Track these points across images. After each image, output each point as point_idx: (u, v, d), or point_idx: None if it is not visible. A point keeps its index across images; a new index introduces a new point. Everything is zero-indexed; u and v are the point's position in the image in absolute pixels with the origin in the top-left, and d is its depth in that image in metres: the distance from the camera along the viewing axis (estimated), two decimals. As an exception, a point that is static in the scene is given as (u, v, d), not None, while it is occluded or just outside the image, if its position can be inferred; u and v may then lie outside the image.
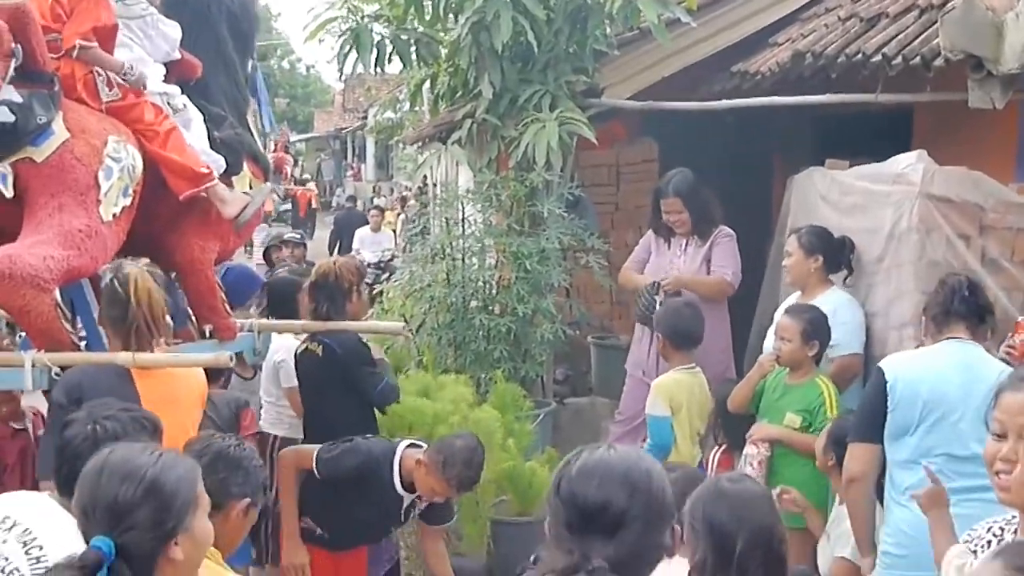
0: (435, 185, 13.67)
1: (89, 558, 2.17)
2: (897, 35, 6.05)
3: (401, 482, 4.48)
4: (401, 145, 26.80)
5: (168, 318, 4.17)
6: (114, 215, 4.23)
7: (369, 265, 15.69)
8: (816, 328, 5.19)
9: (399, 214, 22.53)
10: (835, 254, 5.73)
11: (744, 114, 7.83)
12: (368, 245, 16.15)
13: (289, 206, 27.25)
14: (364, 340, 5.18)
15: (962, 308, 4.16)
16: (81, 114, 4.28)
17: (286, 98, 50.11)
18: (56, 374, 3.92)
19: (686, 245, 6.65)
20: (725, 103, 7.49)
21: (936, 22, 5.61)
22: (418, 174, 10.71)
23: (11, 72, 3.97)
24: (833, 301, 5.57)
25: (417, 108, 20.43)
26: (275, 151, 28.33)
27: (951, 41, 5.19)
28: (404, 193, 26.58)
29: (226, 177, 4.91)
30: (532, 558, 2.42)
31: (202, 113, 4.99)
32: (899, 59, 5.81)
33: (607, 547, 2.17)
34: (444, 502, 4.69)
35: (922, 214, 5.33)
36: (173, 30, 4.84)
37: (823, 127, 8.43)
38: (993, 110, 5.49)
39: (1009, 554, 2.03)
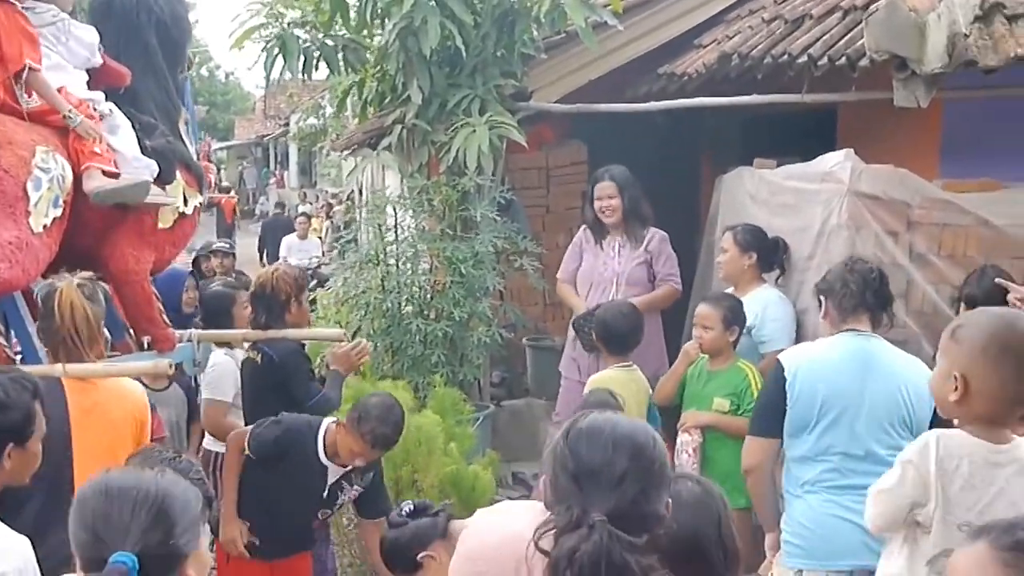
0: (362, 192, 13.68)
1: (115, 573, 2.12)
2: (822, 36, 6.15)
3: (325, 453, 4.52)
4: (325, 152, 26.63)
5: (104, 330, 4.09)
6: (44, 226, 4.14)
7: (296, 272, 15.59)
8: (735, 315, 5.35)
9: (325, 221, 22.41)
10: (769, 253, 5.82)
11: (672, 115, 7.91)
12: (295, 252, 16.01)
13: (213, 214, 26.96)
14: (304, 350, 5.19)
15: (872, 299, 4.16)
16: (7, 124, 4.19)
17: (205, 105, 49.44)
18: None
19: (619, 247, 6.64)
20: (654, 104, 7.56)
21: (860, 23, 5.73)
22: (348, 181, 10.62)
23: None
24: (764, 298, 5.67)
25: (341, 114, 20.46)
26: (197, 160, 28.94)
27: (876, 42, 5.29)
28: (330, 200, 26.42)
29: (159, 184, 4.82)
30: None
31: (132, 121, 4.86)
32: (824, 60, 5.91)
33: (606, 503, 2.19)
34: (379, 493, 4.75)
35: (851, 211, 5.44)
36: (88, 34, 4.75)
37: (750, 127, 8.55)
38: (917, 109, 5.61)
39: (996, 533, 2.03)
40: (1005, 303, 4.25)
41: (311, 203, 28.12)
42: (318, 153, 32.34)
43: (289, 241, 16.64)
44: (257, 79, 53.72)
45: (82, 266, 4.27)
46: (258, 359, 5.04)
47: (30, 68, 4.28)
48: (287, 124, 35.83)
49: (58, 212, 4.23)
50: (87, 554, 2.22)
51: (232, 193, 31.40)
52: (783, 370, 4.08)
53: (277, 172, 43.12)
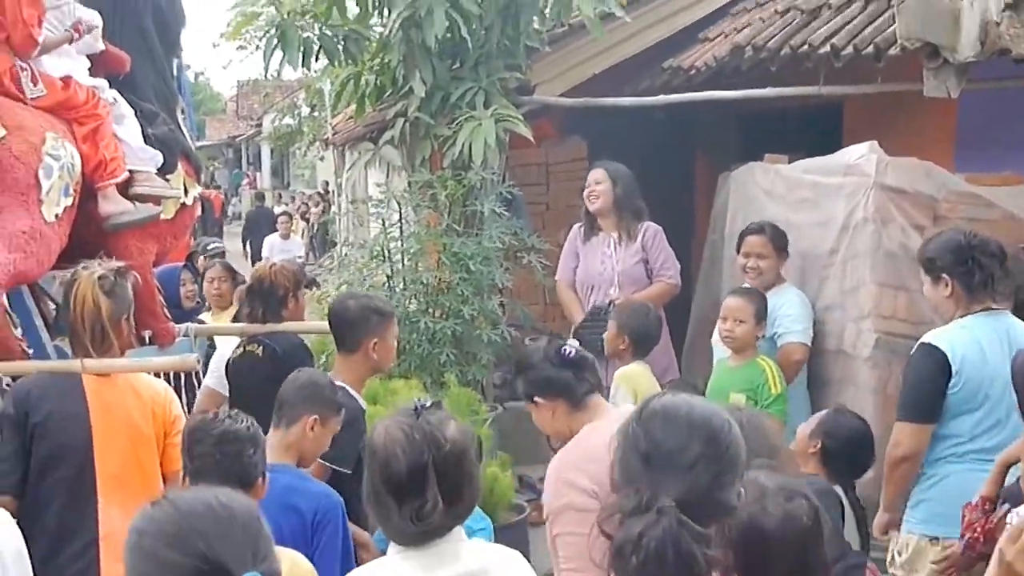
0: (339, 189, 13.54)
1: None
2: (845, 25, 6.05)
3: None
4: (301, 151, 26.44)
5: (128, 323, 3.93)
6: (56, 215, 4.08)
7: (278, 272, 15.39)
8: (765, 309, 5.28)
9: (301, 222, 22.26)
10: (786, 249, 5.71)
11: (672, 111, 7.81)
12: (278, 252, 15.74)
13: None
14: (306, 344, 5.05)
15: (1001, 274, 4.07)
16: (15, 110, 4.12)
17: (175, 106, 49.12)
18: (7, 385, 3.80)
19: (614, 244, 6.51)
20: (661, 98, 7.46)
21: (884, 12, 5.62)
22: (349, 176, 10.44)
23: None
24: (787, 295, 5.55)
25: (316, 113, 20.30)
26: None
27: (908, 29, 5.17)
28: (306, 201, 26.23)
29: (161, 174, 4.78)
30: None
31: (133, 108, 4.79)
32: (849, 49, 5.79)
33: (677, 488, 2.11)
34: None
35: (877, 205, 5.31)
36: (93, 18, 4.65)
37: (747, 124, 8.45)
38: (932, 101, 5.51)
39: None
40: None
41: (287, 203, 27.91)
42: (291, 154, 32.14)
43: (271, 241, 16.43)
44: (228, 80, 53.34)
45: (83, 257, 4.10)
46: (259, 351, 4.81)
47: (36, 44, 4.21)
48: (260, 124, 35.53)
49: (68, 201, 4.17)
50: None
51: (219, 190, 31.78)
52: (944, 355, 3.99)
53: (249, 173, 42.82)
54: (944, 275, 4.09)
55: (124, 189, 4.55)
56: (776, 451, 2.99)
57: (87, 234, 4.40)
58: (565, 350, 3.37)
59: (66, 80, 4.44)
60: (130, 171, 4.55)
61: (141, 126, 4.78)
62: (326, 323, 4.56)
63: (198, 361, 4.22)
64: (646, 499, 2.10)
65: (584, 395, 3.32)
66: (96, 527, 3.55)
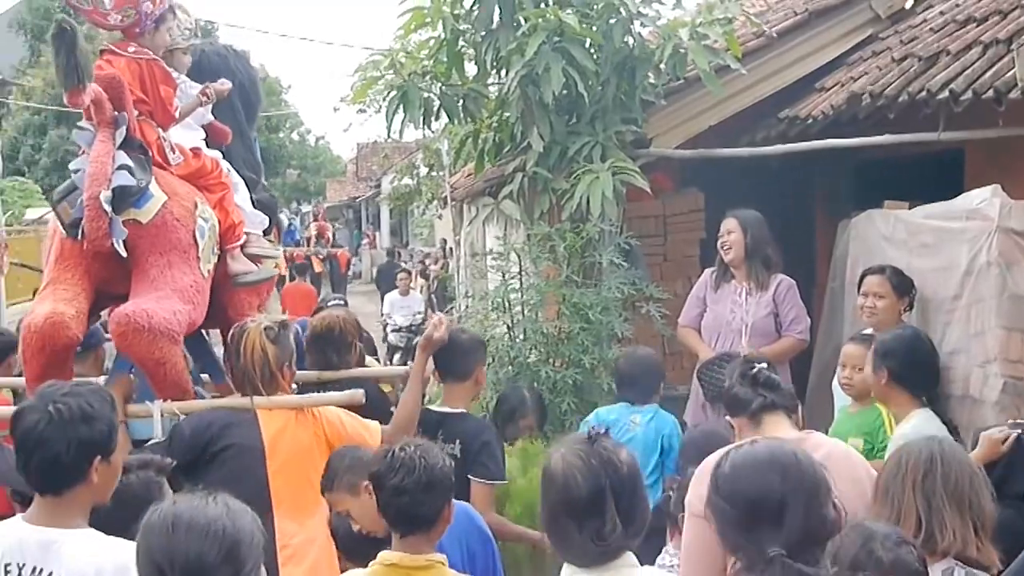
0: (458, 244, 13.77)
1: None
2: (963, 71, 6.01)
3: None
4: (419, 210, 26.90)
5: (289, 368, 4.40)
6: (208, 271, 4.60)
7: (400, 329, 15.67)
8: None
9: (419, 279, 22.60)
10: (911, 294, 5.66)
11: (788, 161, 7.82)
12: (398, 309, 16.11)
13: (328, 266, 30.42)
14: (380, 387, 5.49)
15: None
16: (168, 178, 4.62)
17: (297, 169, 50.33)
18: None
19: (745, 293, 6.52)
20: (777, 148, 7.48)
21: (1003, 56, 5.58)
22: (468, 232, 10.65)
23: (120, 139, 4.26)
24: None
25: (434, 173, 20.67)
26: (316, 221, 34.54)
27: (1028, 71, 5.14)
28: (424, 259, 26.65)
29: (266, 235, 5.27)
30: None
31: None
32: (968, 94, 5.76)
33: (777, 535, 2.21)
34: None
35: (1002, 248, 5.25)
36: (222, 83, 5.06)
37: (865, 172, 8.39)
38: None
39: None
40: None
41: (406, 261, 28.41)
42: (410, 213, 32.69)
43: (391, 298, 16.72)
44: (348, 143, 54.63)
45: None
46: None
47: (176, 119, 4.70)
48: (379, 185, 36.30)
49: (215, 259, 4.70)
50: None
51: (344, 248, 34.39)
52: None
53: (369, 233, 43.62)
54: None
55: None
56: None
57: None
58: (752, 369, 3.45)
59: (195, 151, 4.88)
60: (246, 234, 4.99)
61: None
62: (393, 368, 4.92)
63: (363, 396, 4.53)
64: (752, 557, 2.22)
65: (761, 411, 3.42)
66: (273, 540, 3.85)
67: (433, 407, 4.96)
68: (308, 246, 34.36)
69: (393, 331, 15.86)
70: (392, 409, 4.96)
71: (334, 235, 39.10)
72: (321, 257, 29.76)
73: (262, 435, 4.09)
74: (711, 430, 4.71)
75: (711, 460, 3.06)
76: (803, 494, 2.26)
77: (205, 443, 4.07)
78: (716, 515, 2.33)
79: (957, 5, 7.45)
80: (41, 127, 32.30)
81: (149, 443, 4.19)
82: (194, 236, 4.47)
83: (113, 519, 3.02)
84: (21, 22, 38.05)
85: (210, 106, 5.03)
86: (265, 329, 4.21)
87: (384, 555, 3.17)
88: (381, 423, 4.84)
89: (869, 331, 5.64)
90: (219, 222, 4.77)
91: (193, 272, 4.44)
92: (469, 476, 4.66)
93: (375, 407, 4.98)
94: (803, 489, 2.26)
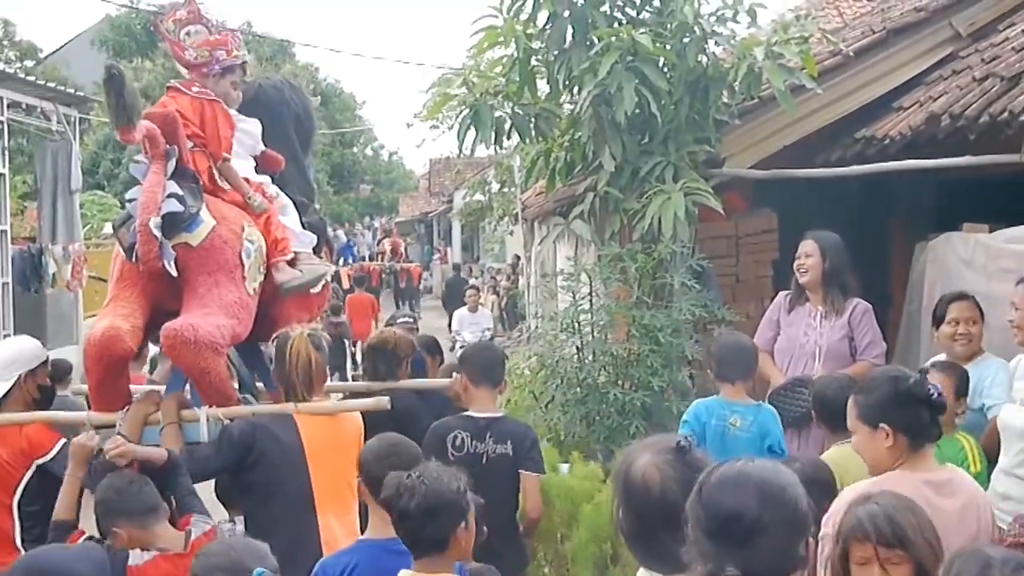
0: (529, 262, 13.82)
1: None
2: (1046, 92, 5.88)
3: None
4: (490, 226, 26.98)
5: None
6: (254, 289, 4.94)
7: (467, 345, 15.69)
8: (966, 385, 5.10)
9: (491, 296, 22.66)
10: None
11: (865, 182, 7.70)
12: (467, 326, 16.11)
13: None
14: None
15: None
16: (217, 204, 4.95)
17: (371, 184, 50.79)
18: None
19: (820, 317, 6.40)
20: (854, 169, 7.36)
21: (1089, 77, 5.44)
22: (540, 251, 10.65)
23: (171, 169, 4.69)
24: (993, 366, 5.36)
25: (506, 189, 20.73)
26: (390, 237, 35.82)
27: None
28: (495, 275, 26.72)
29: (315, 254, 5.54)
30: None
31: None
32: (1052, 116, 5.63)
33: (741, 555, 2.22)
34: None
35: (1083, 274, 5.10)
36: (254, 127, 5.41)
37: (946, 193, 8.23)
38: None
39: None
40: None
41: (476, 277, 28.49)
42: (481, 229, 32.81)
43: (460, 315, 16.76)
44: (420, 158, 55.01)
45: (254, 327, 5.02)
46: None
47: (225, 158, 5.07)
48: (451, 201, 36.48)
49: (261, 278, 5.03)
50: None
51: (416, 263, 35.28)
52: None
53: (441, 248, 43.84)
54: None
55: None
56: None
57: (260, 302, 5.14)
58: (931, 390, 3.39)
59: (244, 179, 5.21)
60: (294, 252, 5.27)
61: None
62: (438, 380, 5.84)
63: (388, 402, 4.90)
64: (711, 569, 2.23)
65: (928, 440, 3.44)
66: (318, 535, 4.39)
67: (475, 413, 5.13)
68: (382, 261, 34.88)
69: (461, 347, 15.88)
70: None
71: (406, 250, 39.45)
72: (386, 273, 31.25)
73: (301, 438, 4.49)
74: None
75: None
76: (779, 524, 2.26)
77: (250, 446, 4.45)
78: (692, 518, 2.34)
79: (1040, 23, 7.30)
80: (121, 142, 32.87)
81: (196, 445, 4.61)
82: (240, 257, 4.83)
83: None
84: (103, 40, 38.91)
85: (257, 136, 5.42)
86: (309, 336, 4.63)
87: (402, 573, 3.34)
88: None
89: (942, 357, 5.52)
90: (264, 241, 5.11)
91: (239, 290, 4.81)
92: (521, 471, 5.02)
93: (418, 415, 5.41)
94: (779, 520, 2.26)
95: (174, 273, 4.65)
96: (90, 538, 4.12)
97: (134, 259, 4.64)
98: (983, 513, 3.48)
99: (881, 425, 3.46)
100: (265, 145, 5.51)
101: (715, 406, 5.62)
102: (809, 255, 6.35)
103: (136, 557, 3.91)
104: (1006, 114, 6.02)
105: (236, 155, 5.22)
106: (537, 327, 8.10)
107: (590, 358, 7.04)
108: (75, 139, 14.18)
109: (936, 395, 3.38)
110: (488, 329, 16.02)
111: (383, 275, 31.31)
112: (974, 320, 5.45)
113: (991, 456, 5.00)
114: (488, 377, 5.19)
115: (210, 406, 4.69)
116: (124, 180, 31.20)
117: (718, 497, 2.30)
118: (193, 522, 4.13)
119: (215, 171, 5.06)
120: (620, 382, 6.85)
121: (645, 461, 2.64)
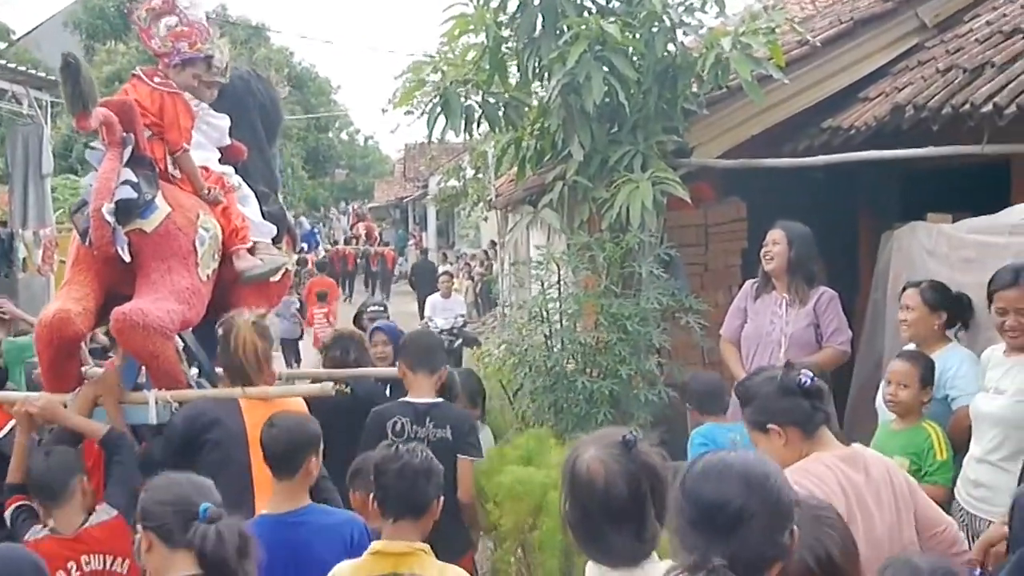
0: (502, 248, 13.81)
1: None
2: (1008, 83, 5.94)
3: None
4: (465, 212, 26.97)
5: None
6: (207, 276, 5.05)
7: (442, 332, 15.68)
8: (931, 374, 5.17)
9: (465, 281, 22.65)
10: (957, 311, 5.58)
11: (831, 171, 7.75)
12: (439, 311, 16.07)
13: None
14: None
15: None
16: (174, 191, 5.09)
17: (346, 169, 50.67)
18: (174, 409, 4.70)
19: (786, 304, 6.47)
20: (820, 159, 7.42)
21: (1049, 70, 5.50)
22: (508, 239, 10.68)
23: (127, 156, 4.78)
24: (956, 356, 5.42)
25: (480, 175, 20.70)
26: (364, 221, 36.82)
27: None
28: (469, 261, 26.70)
29: (275, 244, 5.68)
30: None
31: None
32: (1012, 107, 5.69)
33: (726, 545, 2.24)
34: None
35: (1044, 264, 5.16)
36: (222, 121, 5.55)
37: (910, 183, 8.29)
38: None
39: None
40: None
41: (451, 263, 28.47)
42: (456, 214, 32.79)
43: (433, 300, 16.72)
44: (396, 143, 55.01)
45: (212, 313, 5.10)
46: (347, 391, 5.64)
47: (184, 149, 5.19)
48: (426, 186, 36.44)
49: (215, 265, 5.15)
50: None
51: (391, 246, 36.11)
52: None
53: (415, 233, 43.79)
54: None
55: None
56: None
57: (215, 294, 5.26)
58: (801, 379, 3.43)
59: (204, 168, 5.34)
60: (253, 241, 5.38)
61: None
62: (386, 369, 6.00)
63: (333, 387, 5.11)
64: (696, 560, 2.24)
65: (817, 424, 3.42)
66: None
67: (414, 399, 5.27)
68: (357, 244, 34.93)
69: (434, 333, 15.87)
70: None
71: (381, 235, 39.40)
72: (359, 256, 31.67)
73: (245, 425, 4.49)
74: None
75: None
76: (762, 514, 2.28)
77: (197, 431, 4.49)
78: (676, 511, 2.37)
79: (1004, 16, 7.35)
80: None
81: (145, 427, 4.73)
82: (194, 244, 4.94)
83: None
84: (76, 22, 38.54)
85: (224, 129, 5.54)
86: (253, 323, 4.68)
87: (373, 545, 3.49)
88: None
89: (913, 346, 5.59)
90: (222, 229, 5.23)
91: (192, 276, 4.92)
92: (458, 456, 5.13)
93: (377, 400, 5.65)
94: (763, 509, 2.29)
95: (127, 258, 4.75)
96: (27, 506, 4.33)
97: (88, 244, 4.74)
98: (895, 478, 3.51)
99: (770, 426, 3.47)
100: (230, 135, 5.62)
101: (715, 430, 5.78)
102: (776, 243, 6.43)
103: (33, 532, 4.16)
104: (968, 105, 6.08)
105: (199, 146, 5.34)
106: (507, 315, 8.13)
107: (558, 346, 7.09)
108: (47, 123, 14.15)
109: (807, 382, 3.42)
110: (461, 315, 15.97)
111: (357, 259, 31.50)
112: (911, 307, 5.55)
113: (956, 446, 5.07)
114: (426, 363, 5.32)
115: (160, 389, 4.76)
116: (96, 165, 31.01)
117: (702, 487, 2.32)
118: (97, 511, 4.26)
119: (169, 161, 5.18)
120: (588, 370, 6.90)
121: (591, 455, 2.67)
